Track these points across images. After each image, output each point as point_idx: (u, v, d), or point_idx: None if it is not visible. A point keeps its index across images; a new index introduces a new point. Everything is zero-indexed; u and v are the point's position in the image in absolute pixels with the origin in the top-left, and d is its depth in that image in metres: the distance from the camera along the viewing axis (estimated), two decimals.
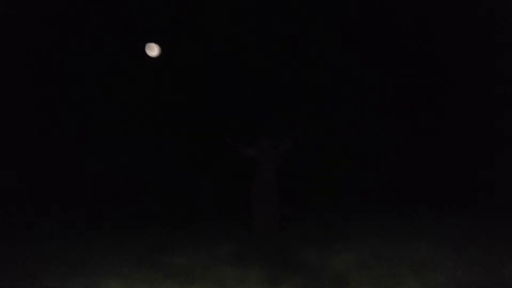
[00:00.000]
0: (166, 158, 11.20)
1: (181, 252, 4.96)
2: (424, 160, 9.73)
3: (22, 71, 9.32)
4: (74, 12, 9.54)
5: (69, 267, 4.40)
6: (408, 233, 5.04)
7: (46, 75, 9.78)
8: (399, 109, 10.69)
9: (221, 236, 6.00)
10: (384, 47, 10.68)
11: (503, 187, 7.59)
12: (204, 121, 11.55)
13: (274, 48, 11.50)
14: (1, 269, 4.61)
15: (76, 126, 10.03)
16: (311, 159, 11.27)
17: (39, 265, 4.69)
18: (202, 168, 11.14)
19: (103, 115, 10.73)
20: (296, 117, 6.01)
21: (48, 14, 9.30)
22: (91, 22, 9.99)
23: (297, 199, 9.67)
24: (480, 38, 9.19)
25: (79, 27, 9.85)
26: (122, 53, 10.49)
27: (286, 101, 11.42)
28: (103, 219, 8.59)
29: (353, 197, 9.54)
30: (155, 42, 9.17)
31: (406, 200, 8.28)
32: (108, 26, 10.12)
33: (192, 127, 11.50)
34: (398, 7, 9.96)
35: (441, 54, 10.00)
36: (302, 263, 4.06)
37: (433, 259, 3.82)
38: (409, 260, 3.82)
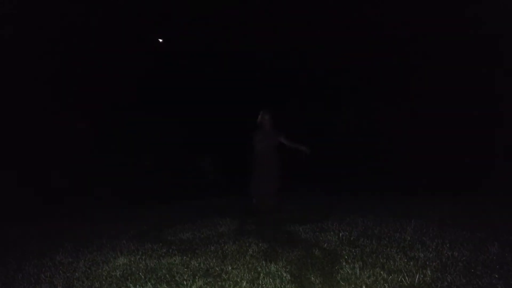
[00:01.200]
0: (171, 139, 11.43)
1: (185, 228, 5.23)
2: (415, 148, 9.94)
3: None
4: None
5: (78, 244, 4.65)
6: (398, 214, 5.28)
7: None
8: (394, 100, 10.86)
9: (222, 213, 6.26)
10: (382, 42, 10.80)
11: (490, 174, 7.85)
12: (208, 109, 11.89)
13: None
14: (14, 247, 4.86)
15: (84, 111, 10.19)
16: (308, 146, 11.50)
17: (49, 242, 4.93)
18: (206, 149, 11.38)
19: (112, 102, 10.93)
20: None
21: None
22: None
23: (294, 182, 9.92)
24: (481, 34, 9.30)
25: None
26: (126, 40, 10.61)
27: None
28: (110, 198, 8.83)
29: (346, 182, 9.79)
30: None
31: (397, 185, 8.53)
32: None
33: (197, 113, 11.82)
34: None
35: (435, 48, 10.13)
36: (297, 239, 4.29)
37: (420, 238, 4.03)
38: (398, 238, 4.04)
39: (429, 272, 2.98)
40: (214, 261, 3.58)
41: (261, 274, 3.13)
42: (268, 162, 6.21)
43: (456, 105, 9.67)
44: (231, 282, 3.00)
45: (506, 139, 8.48)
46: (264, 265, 3.37)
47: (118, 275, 3.33)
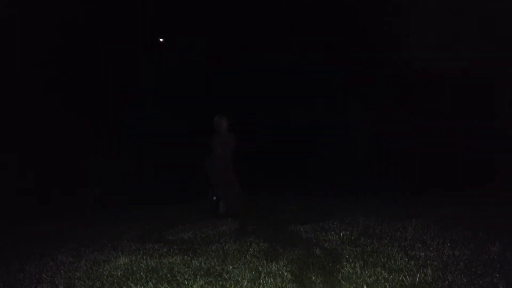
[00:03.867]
0: (172, 139, 11.45)
1: (186, 228, 5.24)
2: (416, 147, 9.93)
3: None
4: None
5: (80, 244, 4.66)
6: (399, 214, 5.27)
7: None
8: (394, 100, 10.86)
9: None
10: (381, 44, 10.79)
11: (491, 174, 7.84)
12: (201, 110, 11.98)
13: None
14: (16, 247, 4.88)
15: (89, 115, 10.22)
16: (307, 146, 11.55)
17: (51, 242, 4.95)
18: (207, 149, 11.34)
19: (117, 106, 10.96)
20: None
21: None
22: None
23: (293, 182, 9.92)
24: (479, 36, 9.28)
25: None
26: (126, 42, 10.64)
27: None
28: (111, 199, 8.84)
29: (347, 182, 9.78)
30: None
31: (399, 185, 8.52)
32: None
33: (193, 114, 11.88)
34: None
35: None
36: (298, 239, 4.30)
37: (421, 237, 4.03)
38: (399, 238, 4.04)
39: (430, 271, 2.98)
40: (215, 260, 3.59)
41: (262, 274, 3.14)
42: (225, 167, 6.19)
43: (456, 104, 9.66)
44: (232, 282, 3.01)
45: (507, 137, 8.46)
46: (265, 264, 3.37)
47: (119, 275, 3.34)
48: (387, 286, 2.79)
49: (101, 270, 3.52)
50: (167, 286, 3.01)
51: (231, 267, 3.34)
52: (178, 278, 3.17)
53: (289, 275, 3.09)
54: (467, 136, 9.29)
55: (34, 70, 9.62)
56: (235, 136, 6.34)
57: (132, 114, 11.49)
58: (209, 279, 3.08)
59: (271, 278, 3.02)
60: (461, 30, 9.63)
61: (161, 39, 13.19)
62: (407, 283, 2.81)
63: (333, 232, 4.45)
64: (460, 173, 8.45)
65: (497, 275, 2.85)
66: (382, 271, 3.03)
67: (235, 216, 6.03)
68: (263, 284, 2.94)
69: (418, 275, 2.91)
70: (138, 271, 3.39)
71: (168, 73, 13.07)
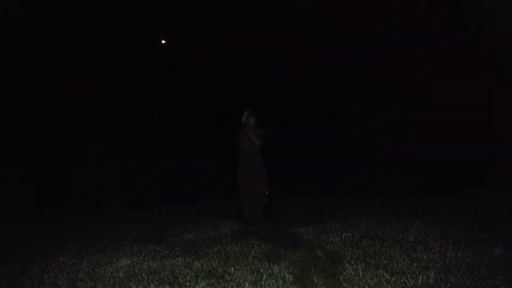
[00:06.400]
0: (174, 142, 11.46)
1: (188, 230, 5.23)
2: (417, 150, 9.92)
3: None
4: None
5: (82, 245, 4.65)
6: (401, 216, 5.25)
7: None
8: (394, 103, 10.85)
9: (225, 215, 6.24)
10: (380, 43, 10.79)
11: (492, 175, 7.82)
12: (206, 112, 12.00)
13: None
14: (18, 249, 4.88)
15: (88, 112, 10.23)
16: (308, 150, 11.56)
17: (53, 244, 4.95)
18: (208, 151, 11.36)
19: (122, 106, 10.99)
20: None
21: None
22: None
23: (296, 185, 9.91)
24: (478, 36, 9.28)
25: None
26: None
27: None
28: (114, 200, 8.85)
29: (349, 184, 9.77)
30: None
31: (400, 187, 8.50)
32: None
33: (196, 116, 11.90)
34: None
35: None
36: (300, 241, 4.29)
37: (423, 239, 4.01)
38: (401, 240, 4.03)
39: (432, 273, 2.97)
40: (216, 262, 3.58)
41: (264, 276, 3.13)
42: (252, 164, 5.77)
43: (457, 106, 9.64)
44: (234, 284, 3.00)
45: (508, 139, 8.44)
46: (267, 266, 3.37)
47: (121, 276, 3.34)
48: None
49: (103, 271, 3.52)
50: (168, 287, 3.01)
51: (232, 269, 3.34)
52: (180, 279, 3.17)
53: (291, 277, 3.09)
54: (467, 137, 9.28)
55: (35, 70, 9.64)
56: (264, 130, 5.78)
57: (132, 116, 11.50)
58: (211, 281, 3.08)
59: (273, 280, 3.02)
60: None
61: (163, 41, 13.22)
62: (409, 285, 2.81)
63: (335, 234, 4.44)
64: (461, 174, 8.43)
65: (500, 277, 2.84)
66: (384, 273, 3.03)
67: (256, 220, 5.62)
68: (265, 286, 2.94)
69: (421, 277, 2.90)
70: (140, 273, 3.39)
71: (169, 74, 13.09)
